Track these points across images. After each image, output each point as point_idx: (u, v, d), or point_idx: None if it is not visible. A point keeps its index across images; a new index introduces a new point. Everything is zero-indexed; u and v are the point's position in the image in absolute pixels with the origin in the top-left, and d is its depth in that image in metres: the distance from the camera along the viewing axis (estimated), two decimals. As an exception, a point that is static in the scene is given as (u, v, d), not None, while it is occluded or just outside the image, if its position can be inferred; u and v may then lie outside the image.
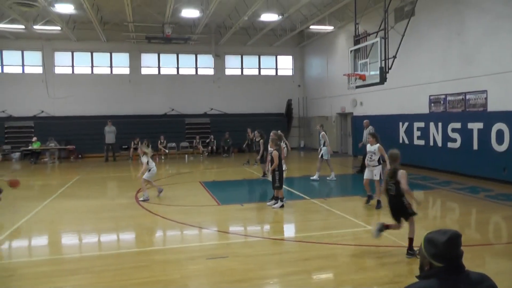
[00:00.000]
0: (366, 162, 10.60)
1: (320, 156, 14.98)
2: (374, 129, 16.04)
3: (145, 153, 11.81)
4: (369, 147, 10.42)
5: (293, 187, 13.79)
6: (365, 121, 16.54)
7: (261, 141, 15.58)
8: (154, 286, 5.72)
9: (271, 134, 12.34)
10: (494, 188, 12.77)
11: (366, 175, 10.51)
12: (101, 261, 6.85)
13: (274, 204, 10.53)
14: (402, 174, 6.63)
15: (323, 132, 15.17)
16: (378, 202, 10.15)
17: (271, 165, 10.62)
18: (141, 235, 8.65)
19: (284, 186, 13.16)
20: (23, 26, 22.07)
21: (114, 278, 6.01)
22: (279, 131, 13.23)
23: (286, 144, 16.38)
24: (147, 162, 11.73)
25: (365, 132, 16.17)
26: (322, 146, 14.98)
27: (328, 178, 14.88)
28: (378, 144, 10.25)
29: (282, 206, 10.44)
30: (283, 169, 11.19)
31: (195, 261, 6.71)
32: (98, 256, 7.21)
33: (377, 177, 10.23)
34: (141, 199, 11.56)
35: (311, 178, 15.01)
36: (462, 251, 2.34)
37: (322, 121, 27.21)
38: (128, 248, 7.83)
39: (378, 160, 10.29)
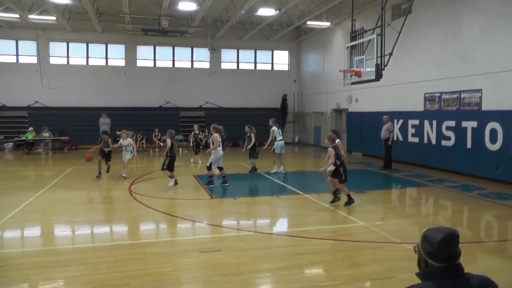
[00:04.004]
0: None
1: (272, 150, 15.41)
2: (392, 125, 16.41)
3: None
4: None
5: (287, 182, 13.83)
6: (384, 116, 16.59)
7: (252, 135, 15.47)
8: (147, 278, 5.72)
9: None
10: (486, 186, 12.85)
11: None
12: (94, 253, 6.85)
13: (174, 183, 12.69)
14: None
15: (274, 127, 15.23)
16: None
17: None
18: (134, 228, 8.66)
19: (279, 182, 13.36)
20: (17, 15, 21.91)
21: (107, 270, 6.02)
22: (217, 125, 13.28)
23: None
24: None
25: (384, 127, 16.28)
26: (275, 140, 15.21)
27: (277, 171, 15.35)
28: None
29: (175, 183, 12.60)
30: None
31: (188, 254, 6.72)
32: (91, 248, 7.22)
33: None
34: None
35: (272, 172, 15.37)
36: (460, 251, 2.28)
37: (317, 117, 27.31)
38: (121, 240, 7.82)
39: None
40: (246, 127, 15.88)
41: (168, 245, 7.35)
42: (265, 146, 15.46)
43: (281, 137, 15.37)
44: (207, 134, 25.30)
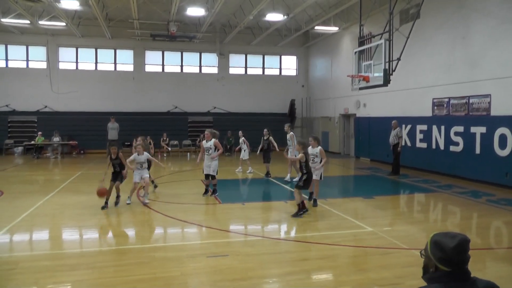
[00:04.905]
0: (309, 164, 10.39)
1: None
2: (401, 131, 16.46)
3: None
4: (310, 150, 10.41)
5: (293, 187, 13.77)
6: (393, 121, 16.55)
7: (270, 138, 15.63)
8: (154, 283, 5.73)
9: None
10: (496, 192, 12.74)
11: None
12: (102, 257, 6.88)
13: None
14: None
15: (292, 133, 15.11)
16: (315, 200, 10.79)
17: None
18: (142, 232, 8.68)
19: (286, 187, 13.33)
20: (28, 21, 22.12)
21: (114, 274, 6.04)
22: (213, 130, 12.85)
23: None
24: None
25: (393, 133, 16.23)
26: (290, 146, 14.81)
27: (285, 178, 14.86)
28: (319, 147, 10.50)
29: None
30: None
31: (196, 259, 6.72)
32: (99, 252, 7.24)
33: (318, 177, 10.55)
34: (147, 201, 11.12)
35: (294, 180, 14.42)
36: (469, 256, 2.29)
37: (325, 122, 27.29)
38: (128, 244, 7.85)
39: (320, 162, 10.50)
40: (265, 130, 16.00)
41: (176, 249, 7.36)
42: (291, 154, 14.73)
43: None
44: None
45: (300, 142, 10.08)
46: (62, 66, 27.10)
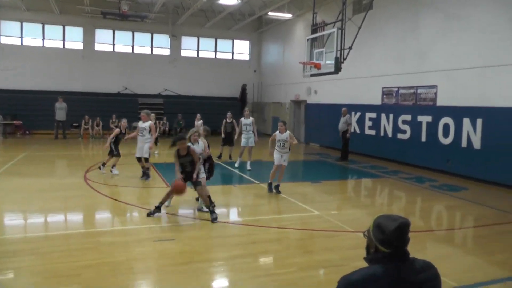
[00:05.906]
0: (276, 149, 10.41)
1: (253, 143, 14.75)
2: (350, 118, 16.81)
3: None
4: (280, 136, 10.28)
5: (244, 171, 13.85)
6: (343, 109, 16.85)
7: (234, 121, 15.68)
8: (100, 268, 5.64)
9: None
10: (438, 178, 13.31)
11: (278, 160, 10.37)
12: (47, 242, 6.68)
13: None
14: None
15: (252, 118, 15.09)
16: (277, 186, 10.52)
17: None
18: (89, 216, 8.50)
19: (236, 171, 13.39)
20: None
21: (60, 259, 5.88)
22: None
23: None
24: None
25: (342, 120, 16.53)
26: (251, 132, 14.72)
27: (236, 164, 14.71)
28: (288, 132, 10.38)
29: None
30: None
31: (142, 244, 6.67)
32: (44, 237, 7.02)
33: (286, 163, 10.47)
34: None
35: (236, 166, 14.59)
36: (409, 238, 2.37)
37: (276, 108, 27.45)
38: (75, 229, 7.68)
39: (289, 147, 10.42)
40: (229, 113, 16.13)
41: (123, 234, 7.26)
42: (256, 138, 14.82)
43: None
44: (165, 121, 25.18)
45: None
46: (4, 40, 25.65)
